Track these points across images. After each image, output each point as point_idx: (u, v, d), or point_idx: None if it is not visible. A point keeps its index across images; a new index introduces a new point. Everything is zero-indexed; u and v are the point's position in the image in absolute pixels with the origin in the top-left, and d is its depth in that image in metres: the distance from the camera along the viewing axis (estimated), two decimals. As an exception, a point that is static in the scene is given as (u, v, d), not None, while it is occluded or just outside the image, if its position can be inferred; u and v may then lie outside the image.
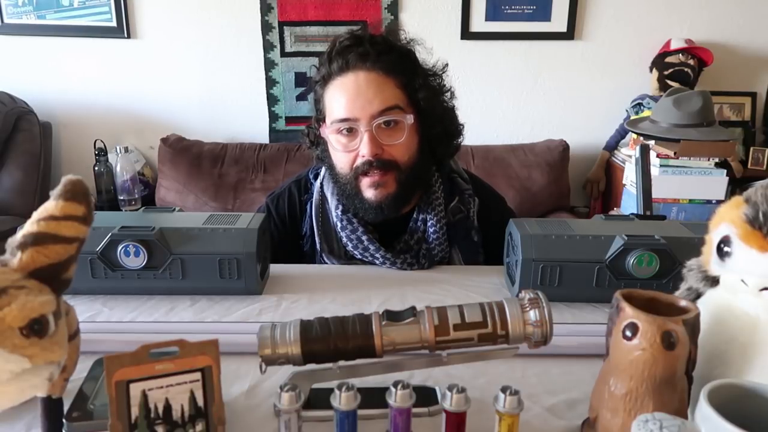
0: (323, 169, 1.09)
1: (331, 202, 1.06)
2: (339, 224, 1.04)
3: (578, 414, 0.61)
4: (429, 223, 1.03)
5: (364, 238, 1.01)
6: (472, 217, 1.08)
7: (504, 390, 0.51)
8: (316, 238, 1.06)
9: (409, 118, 0.96)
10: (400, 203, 1.01)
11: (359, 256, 1.03)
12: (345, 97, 0.95)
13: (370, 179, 0.97)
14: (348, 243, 1.03)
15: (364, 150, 0.95)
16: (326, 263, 1.06)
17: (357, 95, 0.94)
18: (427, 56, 1.03)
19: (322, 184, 1.09)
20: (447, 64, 1.04)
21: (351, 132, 0.96)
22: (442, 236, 1.03)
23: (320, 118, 1.03)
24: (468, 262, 1.07)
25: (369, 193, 0.99)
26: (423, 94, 0.98)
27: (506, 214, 1.13)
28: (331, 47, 0.98)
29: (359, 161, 0.97)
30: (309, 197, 1.10)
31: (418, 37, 1.03)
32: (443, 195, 1.06)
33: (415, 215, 1.05)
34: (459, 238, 1.06)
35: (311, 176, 1.14)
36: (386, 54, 0.96)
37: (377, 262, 1.02)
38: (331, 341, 0.55)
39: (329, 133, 0.99)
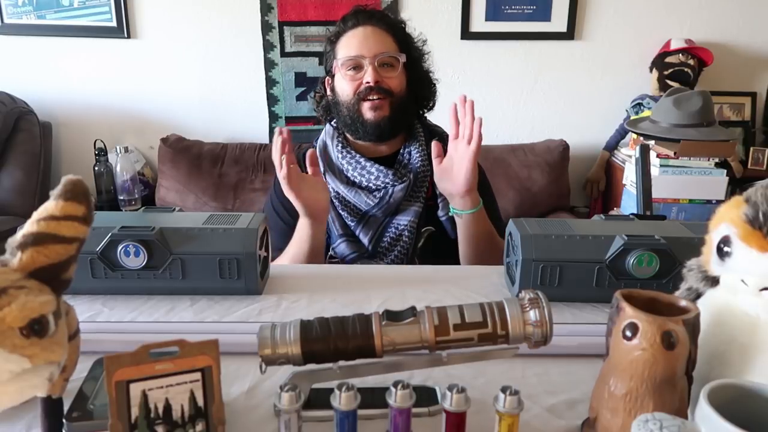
0: (321, 133, 1.35)
1: (333, 144, 1.29)
2: (339, 156, 1.27)
3: (578, 414, 0.61)
4: (413, 152, 1.27)
5: (361, 159, 1.26)
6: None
7: (504, 390, 0.51)
8: (325, 175, 1.26)
9: (402, 57, 1.24)
10: (393, 126, 1.25)
11: (358, 178, 1.25)
12: (356, 41, 1.23)
13: (370, 103, 1.22)
14: (348, 168, 1.26)
15: (368, 77, 1.20)
16: (333, 191, 1.25)
17: (365, 40, 1.23)
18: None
19: (322, 141, 1.33)
20: (426, 40, 1.34)
21: (357, 68, 1.23)
22: (425, 161, 1.26)
23: (329, 69, 1.29)
24: None
25: (369, 114, 1.22)
26: (411, 51, 1.28)
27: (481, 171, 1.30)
28: (343, 16, 1.28)
29: (362, 87, 1.22)
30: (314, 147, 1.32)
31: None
32: (425, 137, 1.31)
33: (401, 150, 1.29)
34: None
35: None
36: (387, 17, 1.28)
37: (372, 177, 1.24)
38: (331, 341, 0.55)
39: (340, 69, 1.24)
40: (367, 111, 1.22)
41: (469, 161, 1.08)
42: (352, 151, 1.27)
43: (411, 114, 1.30)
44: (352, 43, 1.23)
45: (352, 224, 1.24)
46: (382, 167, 1.24)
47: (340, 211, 1.25)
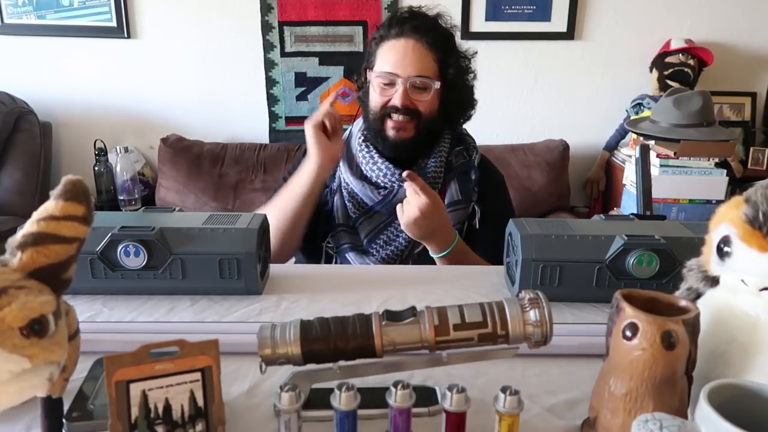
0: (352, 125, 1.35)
1: (356, 135, 1.30)
2: (358, 148, 1.27)
3: (578, 414, 0.61)
4: (430, 162, 1.26)
5: (375, 154, 1.26)
6: (473, 161, 1.30)
7: (504, 390, 0.51)
8: (340, 161, 1.28)
9: (437, 84, 1.21)
10: (413, 147, 1.23)
11: (369, 173, 1.25)
12: (394, 56, 1.20)
13: (394, 122, 1.21)
14: (362, 161, 1.26)
15: (396, 100, 1.19)
16: (342, 180, 1.27)
17: (403, 57, 1.19)
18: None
19: (350, 130, 1.34)
20: (476, 52, 1.32)
21: (389, 83, 1.20)
22: (439, 169, 1.26)
23: (369, 67, 1.27)
24: (464, 195, 1.25)
25: (391, 132, 1.22)
26: (452, 71, 1.23)
27: (503, 190, 1.38)
28: (392, 16, 1.25)
29: (389, 105, 1.20)
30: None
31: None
32: (449, 144, 1.29)
33: (420, 160, 1.27)
34: (458, 171, 1.27)
35: None
36: (433, 31, 1.21)
37: (381, 174, 1.23)
38: (331, 341, 0.55)
39: (374, 78, 1.23)
40: (390, 129, 1.21)
41: (408, 214, 1.08)
42: (371, 147, 1.26)
43: (439, 132, 1.28)
44: (389, 57, 1.20)
45: (354, 216, 1.25)
46: (391, 166, 1.24)
47: (346, 202, 1.26)
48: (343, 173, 1.28)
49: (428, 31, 1.20)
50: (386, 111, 1.21)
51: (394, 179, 1.23)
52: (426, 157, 1.27)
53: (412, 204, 1.07)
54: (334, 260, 1.26)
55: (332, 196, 1.29)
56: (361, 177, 1.26)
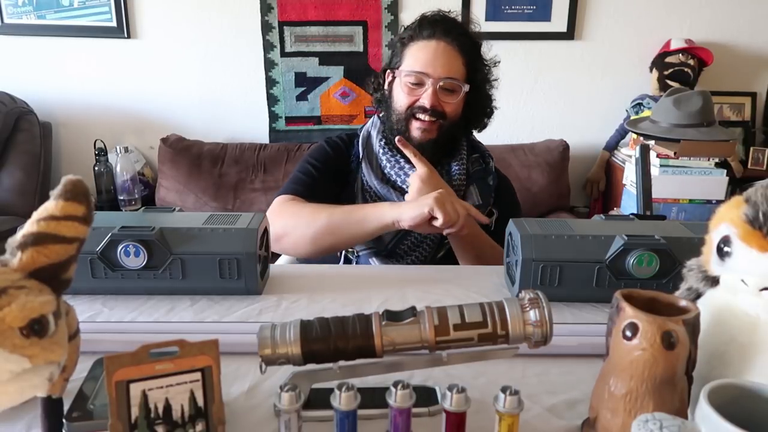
0: (368, 122, 1.34)
1: (375, 137, 1.28)
2: (381, 150, 1.26)
3: (578, 414, 0.61)
4: (453, 166, 1.27)
5: (401, 159, 1.24)
6: (491, 167, 1.32)
7: (504, 390, 0.51)
8: (362, 162, 1.28)
9: (466, 87, 1.21)
10: (437, 148, 1.23)
11: (394, 177, 1.24)
12: (425, 56, 1.19)
13: (420, 123, 1.20)
14: (387, 165, 1.25)
15: (425, 100, 1.18)
16: (365, 183, 1.26)
17: (434, 58, 1.19)
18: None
19: (368, 130, 1.32)
20: (499, 61, 1.31)
21: (418, 83, 1.20)
22: (463, 175, 1.27)
23: (392, 66, 1.26)
24: (483, 199, 1.27)
25: (416, 133, 1.21)
26: (478, 77, 1.25)
27: (512, 192, 1.41)
28: (423, 17, 1.24)
29: (417, 105, 1.20)
30: (357, 137, 1.34)
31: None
32: (466, 150, 1.31)
33: (442, 161, 1.27)
34: (476, 177, 1.29)
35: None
36: (464, 36, 1.22)
37: (408, 179, 1.19)
38: (331, 341, 0.55)
39: (402, 77, 1.22)
40: (415, 130, 1.21)
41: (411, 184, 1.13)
42: (394, 149, 1.25)
43: (458, 137, 1.29)
44: (420, 57, 1.20)
45: None
46: None
47: None
48: (366, 176, 1.26)
49: (459, 35, 1.21)
50: (412, 111, 1.20)
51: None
52: (448, 163, 1.27)
53: (411, 175, 1.12)
54: (353, 264, 1.24)
55: (353, 198, 1.26)
56: (386, 181, 1.25)
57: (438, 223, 1.02)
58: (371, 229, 1.10)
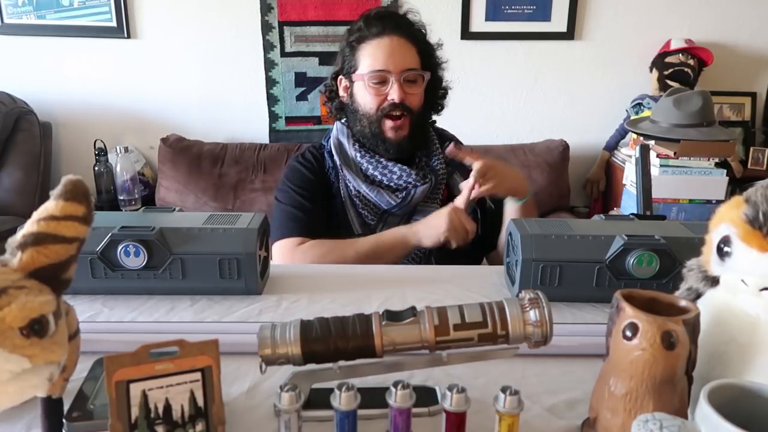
0: (333, 130, 1.33)
1: (348, 143, 1.28)
2: (358, 155, 1.27)
3: (578, 414, 0.61)
4: (432, 156, 1.29)
5: (381, 159, 1.26)
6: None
7: (504, 390, 0.51)
8: (341, 171, 1.28)
9: (427, 75, 1.25)
10: (412, 143, 1.26)
11: (380, 177, 1.25)
12: (382, 53, 1.21)
13: (392, 122, 1.22)
14: (369, 167, 1.26)
15: (393, 95, 1.20)
16: (352, 189, 1.26)
17: (391, 54, 1.20)
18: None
19: (336, 138, 1.31)
20: (442, 44, 1.33)
21: (382, 81, 1.21)
22: (442, 164, 1.29)
23: (347, 72, 1.26)
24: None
25: (390, 133, 1.23)
26: (432, 62, 1.28)
27: None
28: (366, 17, 1.25)
29: (386, 104, 1.21)
30: (325, 148, 1.33)
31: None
32: (438, 141, 1.33)
33: (418, 153, 1.30)
34: (455, 164, 1.29)
35: (315, 146, 1.37)
36: (412, 26, 1.25)
37: (394, 177, 1.25)
38: (331, 341, 0.55)
39: (365, 80, 1.22)
40: (389, 130, 1.23)
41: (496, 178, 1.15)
42: (371, 151, 1.27)
43: (426, 126, 1.32)
44: (378, 55, 1.21)
45: (373, 222, 1.26)
46: (405, 167, 1.25)
47: (360, 210, 1.26)
48: (352, 183, 1.26)
49: (407, 26, 1.24)
50: (383, 111, 1.21)
51: (410, 180, 1.24)
52: (425, 156, 1.30)
53: (490, 165, 1.13)
54: None
55: (344, 208, 1.27)
56: (372, 182, 1.26)
57: (453, 246, 1.14)
58: (401, 254, 1.19)
